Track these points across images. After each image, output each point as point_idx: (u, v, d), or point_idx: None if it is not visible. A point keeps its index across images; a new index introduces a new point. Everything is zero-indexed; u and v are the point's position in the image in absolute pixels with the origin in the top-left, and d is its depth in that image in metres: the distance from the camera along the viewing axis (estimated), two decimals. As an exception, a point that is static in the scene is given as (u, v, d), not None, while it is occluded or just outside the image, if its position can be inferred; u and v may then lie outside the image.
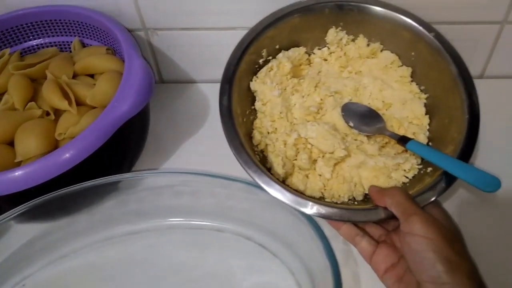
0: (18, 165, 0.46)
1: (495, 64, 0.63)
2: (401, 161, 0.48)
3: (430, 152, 0.44)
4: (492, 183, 0.39)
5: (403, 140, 0.47)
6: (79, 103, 0.51)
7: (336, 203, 0.48)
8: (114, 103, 0.46)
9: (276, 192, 0.43)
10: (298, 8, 0.54)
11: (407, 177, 0.48)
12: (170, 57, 0.65)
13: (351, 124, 0.51)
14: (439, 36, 0.51)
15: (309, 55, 0.59)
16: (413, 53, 0.54)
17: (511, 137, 0.56)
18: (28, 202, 0.46)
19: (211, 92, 0.66)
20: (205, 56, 0.64)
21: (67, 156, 0.42)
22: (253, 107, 0.55)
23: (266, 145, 0.52)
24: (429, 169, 0.47)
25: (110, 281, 0.48)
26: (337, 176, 0.50)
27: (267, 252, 0.48)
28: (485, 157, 0.55)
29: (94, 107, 0.51)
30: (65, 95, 0.50)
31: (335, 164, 0.49)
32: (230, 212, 0.51)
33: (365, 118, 0.51)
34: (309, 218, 0.43)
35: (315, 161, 0.50)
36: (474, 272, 0.36)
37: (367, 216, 0.43)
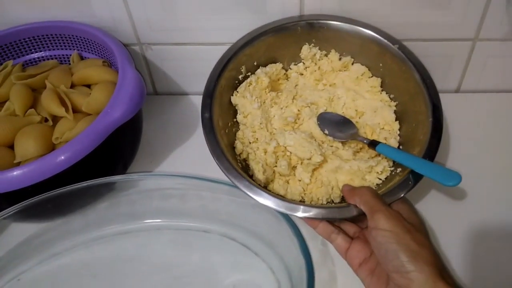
0: (17, 165, 0.49)
1: (470, 79, 0.66)
2: (374, 164, 0.51)
3: (397, 153, 0.48)
4: (453, 178, 0.42)
5: (373, 144, 0.51)
6: (76, 111, 0.54)
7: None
8: (108, 110, 0.50)
9: (255, 195, 0.47)
10: (272, 27, 0.59)
11: (380, 179, 0.51)
12: (164, 70, 0.69)
13: (326, 131, 0.55)
14: (402, 48, 0.56)
15: (286, 70, 0.63)
16: (381, 64, 0.58)
17: (484, 146, 0.60)
18: (24, 201, 0.49)
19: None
20: (195, 70, 0.67)
21: (62, 158, 0.45)
22: (235, 120, 0.59)
23: (248, 154, 0.55)
24: (399, 169, 0.50)
25: (101, 277, 0.50)
26: (315, 180, 0.53)
27: (250, 251, 0.51)
28: (458, 163, 0.58)
29: (89, 114, 0.54)
30: (63, 103, 0.54)
31: (313, 170, 0.53)
32: (216, 214, 0.54)
33: (339, 126, 0.55)
34: (287, 218, 0.46)
35: (294, 167, 0.54)
36: (435, 259, 0.39)
37: (341, 213, 0.46)
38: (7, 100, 0.57)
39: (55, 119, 0.54)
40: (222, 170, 0.49)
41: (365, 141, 0.53)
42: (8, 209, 0.49)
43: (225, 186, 0.51)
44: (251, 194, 0.46)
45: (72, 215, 0.54)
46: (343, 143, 0.55)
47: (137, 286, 0.49)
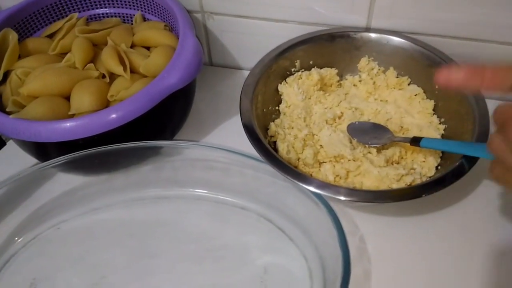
0: (71, 117, 0.50)
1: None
2: (404, 172, 0.49)
3: (445, 142, 0.46)
4: None
5: (416, 141, 0.49)
6: (133, 71, 0.54)
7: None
8: (164, 74, 0.49)
9: (298, 179, 0.46)
10: (336, 32, 0.59)
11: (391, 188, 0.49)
12: (222, 42, 0.68)
13: (357, 139, 0.53)
14: None
15: (340, 79, 0.62)
16: (437, 87, 0.55)
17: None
18: (73, 153, 0.50)
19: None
20: (253, 45, 0.66)
21: (114, 116, 0.46)
22: (277, 108, 0.58)
23: (279, 134, 0.55)
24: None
25: (137, 238, 0.51)
26: (339, 180, 0.51)
27: (284, 235, 0.50)
28: None
29: (146, 76, 0.54)
30: (122, 62, 0.54)
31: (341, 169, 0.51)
32: (255, 193, 0.53)
33: (372, 133, 0.53)
34: (329, 208, 0.45)
35: (320, 163, 0.53)
36: None
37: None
38: (69, 52, 0.58)
39: (112, 76, 0.55)
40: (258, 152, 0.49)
41: (406, 140, 0.50)
42: (57, 158, 0.50)
43: (268, 166, 0.50)
44: (292, 178, 0.46)
45: (116, 173, 0.55)
46: (378, 150, 0.53)
47: (170, 252, 0.50)
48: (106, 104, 0.52)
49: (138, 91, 0.48)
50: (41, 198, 0.53)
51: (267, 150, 0.48)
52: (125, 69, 0.53)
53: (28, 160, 0.56)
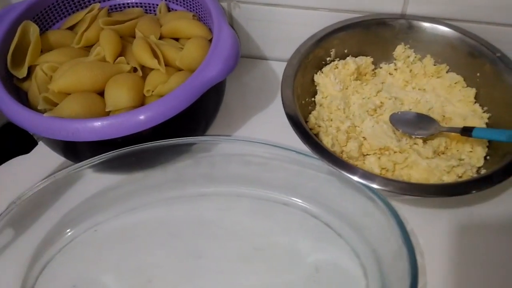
0: (107, 114, 0.47)
1: None
2: (455, 164, 0.48)
3: (501, 132, 0.45)
4: None
5: (467, 130, 0.47)
6: (165, 64, 0.52)
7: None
8: (203, 67, 0.47)
9: (352, 174, 0.44)
10: (371, 19, 0.58)
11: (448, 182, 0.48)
12: (247, 31, 0.65)
13: (401, 130, 0.52)
14: (503, 57, 0.52)
15: (375, 66, 0.60)
16: (478, 74, 0.54)
17: None
18: (107, 153, 0.48)
19: (281, 71, 0.66)
20: (280, 34, 0.65)
21: (163, 110, 0.44)
22: (313, 99, 0.57)
23: (320, 127, 0.53)
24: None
25: (178, 237, 0.49)
26: (386, 173, 0.50)
27: (332, 231, 0.49)
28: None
29: (180, 70, 0.52)
30: (154, 55, 0.51)
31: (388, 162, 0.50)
32: (298, 188, 0.51)
33: (417, 123, 0.52)
34: (386, 203, 0.44)
35: (364, 155, 0.51)
36: None
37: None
38: (93, 44, 0.55)
39: (143, 70, 0.52)
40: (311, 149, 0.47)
41: (455, 130, 0.49)
42: (94, 158, 0.47)
43: (312, 159, 0.48)
44: (347, 173, 0.44)
45: (152, 171, 0.52)
46: (424, 140, 0.51)
47: (217, 251, 0.48)
48: (142, 100, 0.49)
49: (179, 85, 0.46)
50: (73, 200, 0.51)
51: (317, 144, 0.46)
52: (159, 62, 0.50)
53: (59, 160, 0.53)
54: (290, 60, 0.54)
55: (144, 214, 0.51)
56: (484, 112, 0.54)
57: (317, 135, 0.53)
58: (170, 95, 0.45)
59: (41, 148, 0.51)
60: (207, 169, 0.53)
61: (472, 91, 0.55)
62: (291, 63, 0.53)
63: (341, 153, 0.51)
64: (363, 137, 0.52)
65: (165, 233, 0.49)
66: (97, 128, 0.43)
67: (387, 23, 0.57)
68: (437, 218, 0.50)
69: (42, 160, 0.54)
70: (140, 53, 0.51)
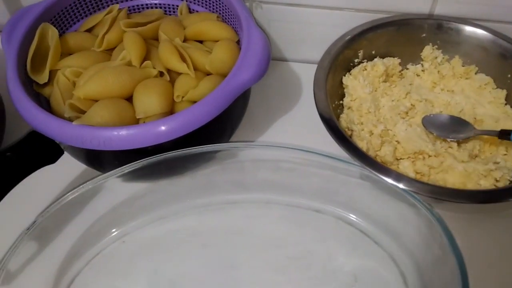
0: (136, 121, 0.46)
1: None
2: (493, 168, 0.47)
3: None
4: None
5: (506, 133, 0.46)
6: (193, 68, 0.50)
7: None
8: (236, 72, 0.46)
9: (396, 180, 0.43)
10: (399, 19, 0.57)
11: (496, 187, 0.47)
12: (269, 32, 0.64)
13: (435, 134, 0.51)
14: None
15: (402, 68, 0.59)
16: (509, 76, 0.53)
17: None
18: (137, 162, 0.46)
19: (303, 72, 0.65)
20: (302, 35, 0.63)
21: (200, 116, 0.42)
22: (341, 102, 0.55)
23: (352, 131, 0.51)
24: None
25: (210, 247, 0.47)
26: (421, 177, 0.49)
27: (368, 238, 0.48)
28: None
29: (209, 74, 0.50)
30: (181, 58, 0.50)
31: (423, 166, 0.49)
32: (331, 194, 0.50)
33: (450, 126, 0.51)
34: (429, 209, 0.42)
35: (398, 159, 0.50)
36: None
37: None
38: (114, 47, 0.53)
39: (170, 74, 0.50)
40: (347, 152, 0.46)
41: (492, 133, 0.48)
42: (124, 167, 0.46)
43: (344, 164, 0.47)
44: (392, 180, 0.43)
45: (181, 179, 0.51)
46: (458, 143, 0.50)
47: (250, 261, 0.46)
48: (172, 106, 0.47)
49: (212, 91, 0.44)
50: (99, 210, 0.49)
51: (356, 148, 0.45)
52: (188, 66, 0.49)
53: (82, 168, 0.51)
54: (320, 62, 0.53)
55: (174, 223, 0.49)
56: (516, 114, 0.53)
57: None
58: (204, 101, 0.43)
59: (66, 157, 0.49)
60: (236, 175, 0.51)
61: (503, 93, 0.54)
62: (321, 65, 0.52)
63: (375, 157, 0.50)
64: (397, 141, 0.51)
65: (196, 243, 0.48)
66: (131, 136, 0.42)
67: (416, 24, 0.56)
68: (469, 223, 0.49)
69: (68, 169, 0.52)
70: (168, 56, 0.49)
